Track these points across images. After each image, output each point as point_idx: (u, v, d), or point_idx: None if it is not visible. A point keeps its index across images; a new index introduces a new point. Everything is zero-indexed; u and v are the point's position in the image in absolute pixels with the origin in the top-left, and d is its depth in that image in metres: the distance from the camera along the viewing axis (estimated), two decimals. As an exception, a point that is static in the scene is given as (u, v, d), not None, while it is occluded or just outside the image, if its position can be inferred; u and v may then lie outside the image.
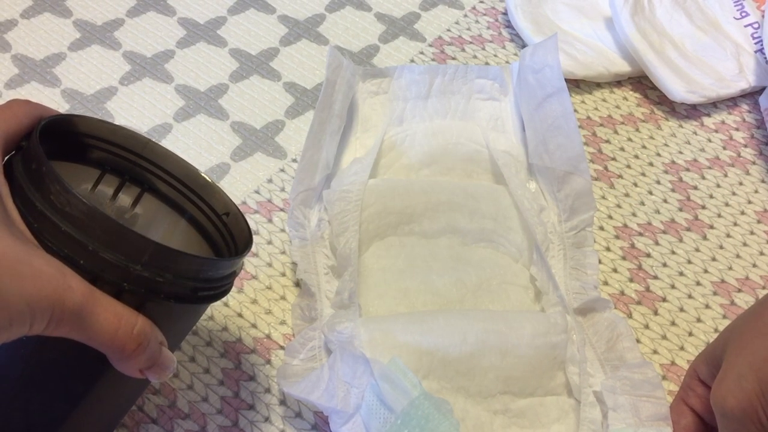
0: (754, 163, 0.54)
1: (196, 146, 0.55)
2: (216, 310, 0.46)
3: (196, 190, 0.40)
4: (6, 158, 0.32)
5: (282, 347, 0.45)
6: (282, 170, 0.53)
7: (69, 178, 0.36)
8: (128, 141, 0.39)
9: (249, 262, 0.48)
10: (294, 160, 0.54)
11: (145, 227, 0.40)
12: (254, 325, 0.46)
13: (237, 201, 0.51)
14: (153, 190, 0.40)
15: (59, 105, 0.57)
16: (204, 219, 0.40)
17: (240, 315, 0.46)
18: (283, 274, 0.48)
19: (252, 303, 0.47)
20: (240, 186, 0.52)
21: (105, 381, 0.33)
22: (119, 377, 0.32)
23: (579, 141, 0.49)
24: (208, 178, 0.40)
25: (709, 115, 0.57)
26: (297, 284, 0.48)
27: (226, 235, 0.39)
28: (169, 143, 0.55)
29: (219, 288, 0.35)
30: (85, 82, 0.58)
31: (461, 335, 0.41)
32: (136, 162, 0.39)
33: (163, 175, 0.40)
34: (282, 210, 0.51)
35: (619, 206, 0.52)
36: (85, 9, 0.63)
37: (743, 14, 0.60)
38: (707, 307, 0.47)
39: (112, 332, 0.29)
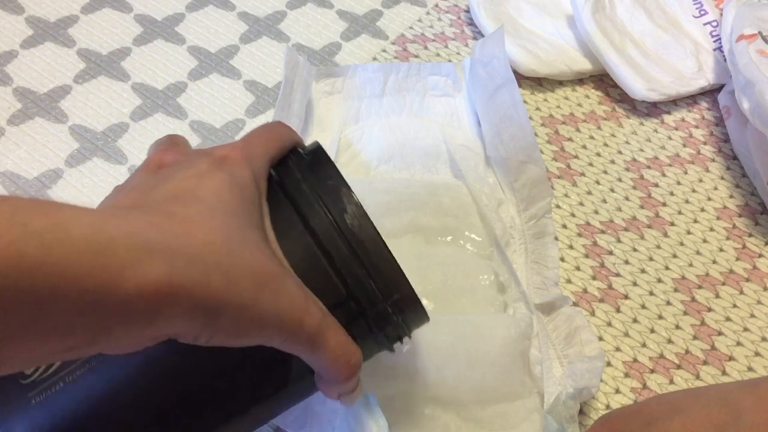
0: (713, 160, 0.55)
1: (154, 146, 0.53)
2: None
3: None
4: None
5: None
6: (242, 170, 0.52)
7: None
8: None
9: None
10: (255, 160, 0.53)
11: None
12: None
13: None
14: None
15: (11, 104, 0.55)
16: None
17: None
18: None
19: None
20: (199, 186, 0.51)
21: (288, 394, 0.33)
22: (296, 394, 0.33)
23: (530, 130, 0.49)
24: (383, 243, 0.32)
25: (669, 112, 0.57)
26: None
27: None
28: (126, 143, 0.53)
29: (397, 341, 0.34)
30: (38, 81, 0.56)
31: (428, 346, 0.41)
32: None
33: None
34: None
35: (581, 204, 0.52)
36: (38, 5, 0.61)
37: (702, 12, 0.61)
38: (668, 303, 0.48)
39: (333, 360, 0.30)
